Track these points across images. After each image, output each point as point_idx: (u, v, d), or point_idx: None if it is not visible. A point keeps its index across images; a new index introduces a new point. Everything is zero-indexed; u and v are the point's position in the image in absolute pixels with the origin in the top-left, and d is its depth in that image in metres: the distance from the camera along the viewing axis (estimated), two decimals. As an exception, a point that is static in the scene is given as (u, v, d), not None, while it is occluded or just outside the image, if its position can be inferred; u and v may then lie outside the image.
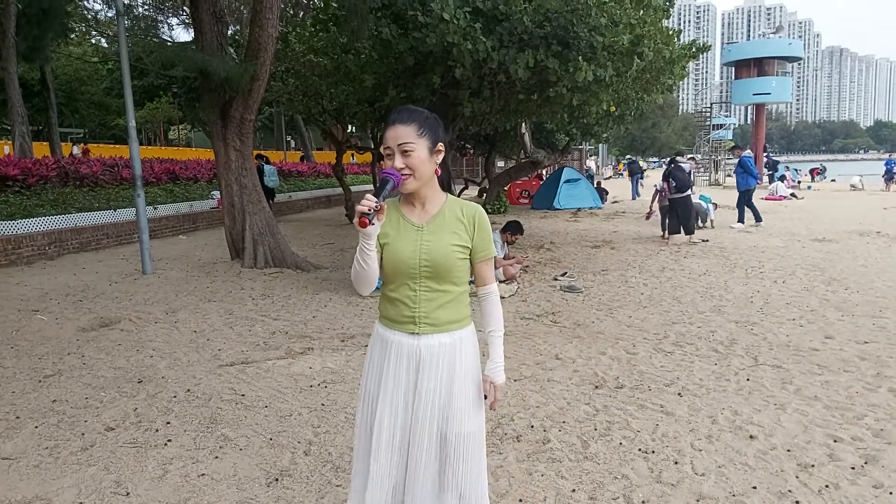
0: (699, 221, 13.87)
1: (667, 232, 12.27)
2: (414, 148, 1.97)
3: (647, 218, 14.54)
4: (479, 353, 2.19)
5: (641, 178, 27.25)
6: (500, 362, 2.16)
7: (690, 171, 14.04)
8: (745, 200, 14.42)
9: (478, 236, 2.10)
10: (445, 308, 2.07)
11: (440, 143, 2.05)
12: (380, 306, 2.17)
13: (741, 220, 14.46)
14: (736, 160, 15.13)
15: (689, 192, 12.21)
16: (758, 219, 14.33)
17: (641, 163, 42.04)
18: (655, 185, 13.67)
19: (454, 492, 2.09)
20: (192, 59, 8.52)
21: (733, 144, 24.08)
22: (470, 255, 2.11)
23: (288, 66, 12.58)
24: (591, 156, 44.45)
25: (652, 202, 13.77)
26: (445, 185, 2.17)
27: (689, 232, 12.01)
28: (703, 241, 12.03)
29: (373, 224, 1.89)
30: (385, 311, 2.13)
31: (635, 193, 25.43)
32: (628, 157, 48.06)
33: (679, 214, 12.03)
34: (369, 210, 1.84)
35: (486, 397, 2.16)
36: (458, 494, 2.09)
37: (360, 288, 2.06)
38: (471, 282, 2.16)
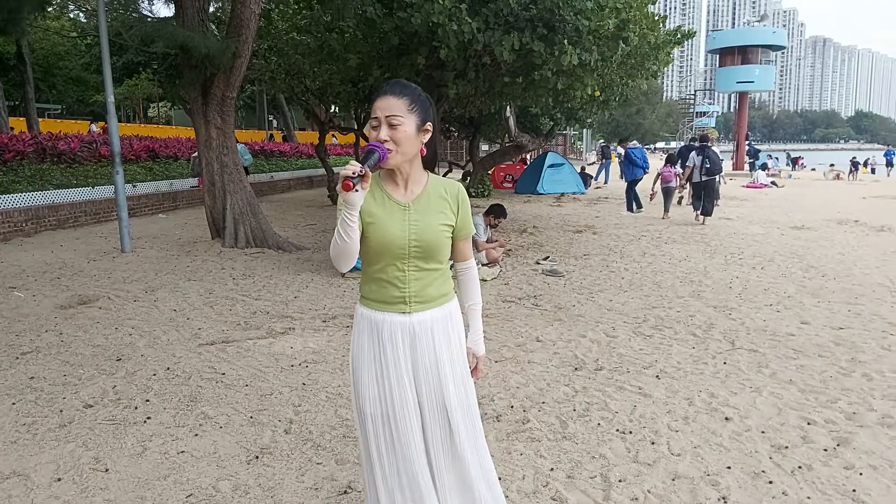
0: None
1: (706, 215, 12.86)
2: (402, 122, 1.94)
3: (651, 199, 15.07)
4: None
5: (610, 162, 27.67)
6: (481, 333, 2.22)
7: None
8: (630, 189, 14.95)
9: (461, 214, 2.11)
10: (433, 285, 2.08)
11: (429, 123, 2.03)
12: (363, 289, 2.13)
13: (630, 208, 14.86)
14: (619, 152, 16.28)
15: (719, 175, 13.27)
16: (638, 206, 14.85)
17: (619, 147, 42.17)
18: (659, 168, 14.49)
19: (474, 463, 2.13)
20: (173, 34, 8.38)
21: (621, 139, 25.12)
22: (452, 232, 2.11)
23: (271, 44, 12.43)
24: (600, 140, 44.68)
25: (654, 184, 14.53)
26: (430, 166, 2.15)
27: (708, 213, 12.83)
28: (703, 224, 12.64)
29: (356, 190, 1.82)
30: (371, 294, 2.09)
31: (605, 178, 25.88)
32: (601, 141, 48.16)
33: (707, 194, 12.80)
34: (353, 174, 1.78)
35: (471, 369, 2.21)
36: (478, 462, 2.15)
37: (340, 263, 1.98)
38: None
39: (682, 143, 38.23)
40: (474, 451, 2.15)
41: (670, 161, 14.22)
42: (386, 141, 1.93)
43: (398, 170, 2.04)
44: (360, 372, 2.10)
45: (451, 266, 2.19)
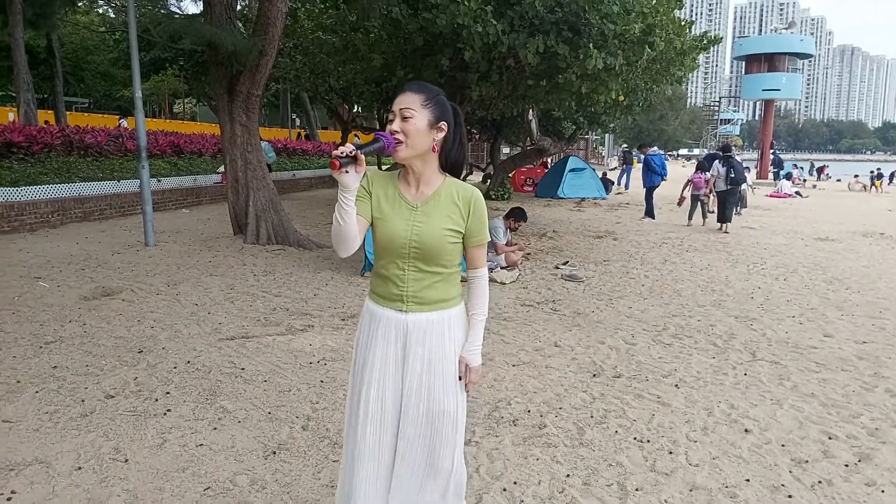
0: (738, 208, 15.24)
1: (725, 223, 12.87)
2: (413, 115, 1.96)
3: (680, 204, 15.03)
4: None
5: (631, 169, 27.34)
6: (478, 345, 2.14)
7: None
8: (648, 196, 14.83)
9: (472, 220, 2.07)
10: (434, 288, 2.06)
11: (443, 122, 2.02)
12: (371, 282, 2.17)
13: (650, 214, 14.73)
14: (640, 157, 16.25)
15: (743, 184, 13.56)
16: (651, 215, 14.70)
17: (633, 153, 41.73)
18: (689, 175, 14.62)
19: (445, 471, 2.10)
20: (201, 31, 8.47)
21: (640, 144, 24.95)
22: (463, 239, 2.08)
23: (296, 43, 12.53)
24: (622, 145, 44.33)
25: (683, 189, 14.49)
26: (457, 171, 2.14)
27: (727, 220, 12.81)
28: (726, 232, 12.60)
29: (346, 172, 1.85)
30: (375, 287, 2.13)
31: (625, 183, 25.57)
32: (623, 146, 47.89)
33: (729, 202, 12.92)
34: (342, 154, 1.82)
35: (460, 378, 2.12)
36: (451, 471, 2.11)
37: (339, 247, 2.00)
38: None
39: (706, 151, 37.92)
40: (448, 459, 2.10)
41: (701, 168, 14.13)
42: (396, 132, 1.96)
43: (411, 168, 2.05)
44: (359, 362, 2.14)
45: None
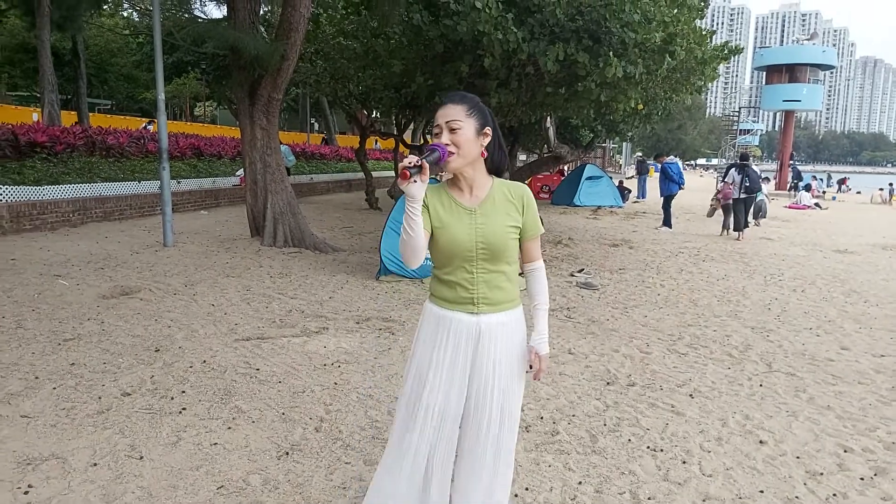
0: (759, 217, 15.75)
1: (738, 231, 13.14)
2: (461, 126, 2.04)
3: (710, 215, 15.17)
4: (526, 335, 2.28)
5: (648, 176, 27.22)
6: (546, 334, 2.25)
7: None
8: (666, 205, 14.80)
9: (528, 215, 2.18)
10: (501, 288, 2.15)
11: (487, 128, 2.11)
12: (433, 289, 2.21)
13: (667, 223, 14.64)
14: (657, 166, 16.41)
15: (759, 192, 13.81)
16: (668, 224, 14.63)
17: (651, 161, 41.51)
18: (718, 185, 15.30)
19: (505, 466, 2.22)
20: (224, 35, 8.58)
21: (657, 154, 24.91)
22: (520, 233, 2.18)
23: (317, 48, 12.61)
24: (637, 154, 44.18)
25: (713, 199, 14.81)
26: (504, 168, 2.22)
27: (740, 228, 13.12)
28: (738, 240, 12.91)
29: (414, 181, 1.92)
30: (440, 293, 2.17)
31: (642, 192, 25.40)
32: (638, 155, 47.72)
33: (745, 212, 13.18)
34: (411, 164, 1.89)
35: (531, 368, 2.24)
36: (496, 471, 2.21)
37: (409, 258, 2.05)
38: None
39: (724, 161, 37.63)
40: (497, 457, 2.20)
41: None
42: (448, 145, 2.03)
43: (462, 175, 2.12)
44: (422, 363, 2.17)
45: (520, 273, 2.25)
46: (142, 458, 3.16)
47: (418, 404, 2.15)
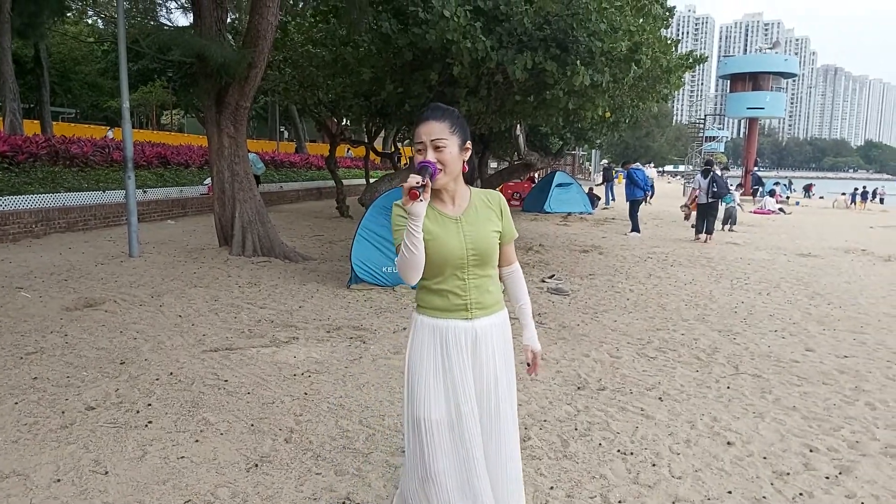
0: (729, 224, 16.04)
1: (707, 234, 13.59)
2: (446, 144, 2.07)
3: (686, 218, 15.52)
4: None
5: (613, 184, 27.67)
6: (535, 330, 2.36)
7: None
8: (632, 210, 15.00)
9: (505, 220, 2.26)
10: (490, 291, 2.22)
11: (468, 142, 2.16)
12: (422, 300, 2.23)
13: (635, 229, 14.83)
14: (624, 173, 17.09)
15: (730, 199, 14.61)
16: (637, 229, 14.82)
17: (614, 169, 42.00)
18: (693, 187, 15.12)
19: (516, 465, 2.31)
20: (190, 42, 8.48)
21: (624, 161, 25.50)
22: (500, 238, 2.24)
23: (286, 56, 12.55)
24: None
25: (688, 203, 15.19)
26: (470, 181, 2.27)
27: (710, 232, 13.59)
28: (705, 242, 13.33)
29: (421, 200, 1.94)
30: (432, 303, 2.20)
31: (610, 198, 25.94)
32: (604, 162, 48.31)
33: (712, 216, 13.62)
34: (418, 184, 1.90)
35: (528, 366, 2.36)
36: (517, 465, 2.31)
37: (409, 275, 2.08)
38: None
39: (691, 167, 38.29)
40: (516, 451, 2.32)
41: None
42: (436, 162, 2.06)
43: (444, 188, 2.16)
44: (423, 378, 2.17)
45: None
46: (107, 473, 3.10)
47: (431, 423, 2.14)
